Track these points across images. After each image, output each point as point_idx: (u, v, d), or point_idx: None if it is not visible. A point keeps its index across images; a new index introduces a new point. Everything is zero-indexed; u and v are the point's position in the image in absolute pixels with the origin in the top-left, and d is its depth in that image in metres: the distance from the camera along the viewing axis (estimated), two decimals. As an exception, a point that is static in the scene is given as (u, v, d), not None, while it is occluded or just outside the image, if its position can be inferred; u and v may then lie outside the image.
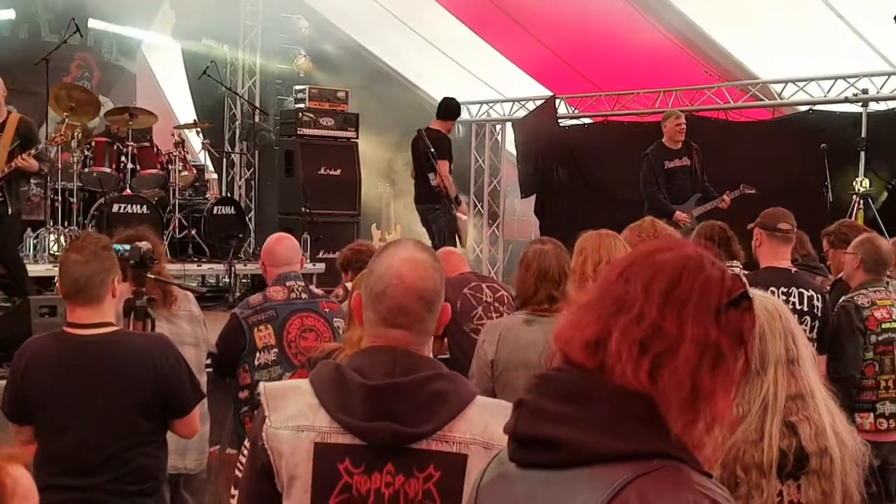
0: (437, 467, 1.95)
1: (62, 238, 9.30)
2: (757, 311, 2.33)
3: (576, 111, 12.53)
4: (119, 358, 3.46)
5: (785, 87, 10.49)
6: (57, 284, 3.54)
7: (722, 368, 1.43)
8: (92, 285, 3.41)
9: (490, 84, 13.23)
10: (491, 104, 13.34)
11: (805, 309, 4.86)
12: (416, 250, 2.11)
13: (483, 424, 1.97)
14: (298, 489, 1.98)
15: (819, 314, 4.92)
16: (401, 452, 1.95)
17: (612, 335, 1.41)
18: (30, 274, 8.06)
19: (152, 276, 4.24)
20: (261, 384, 2.11)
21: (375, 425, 1.93)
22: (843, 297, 5.17)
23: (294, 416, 1.99)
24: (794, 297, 4.86)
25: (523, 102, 12.85)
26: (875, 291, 5.12)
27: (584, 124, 12.56)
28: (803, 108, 10.40)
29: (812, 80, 10.18)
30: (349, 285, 5.55)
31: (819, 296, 4.97)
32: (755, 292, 2.57)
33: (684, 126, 9.06)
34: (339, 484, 1.96)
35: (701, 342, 1.40)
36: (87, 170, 9.83)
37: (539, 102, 12.47)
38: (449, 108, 9.38)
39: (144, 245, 4.06)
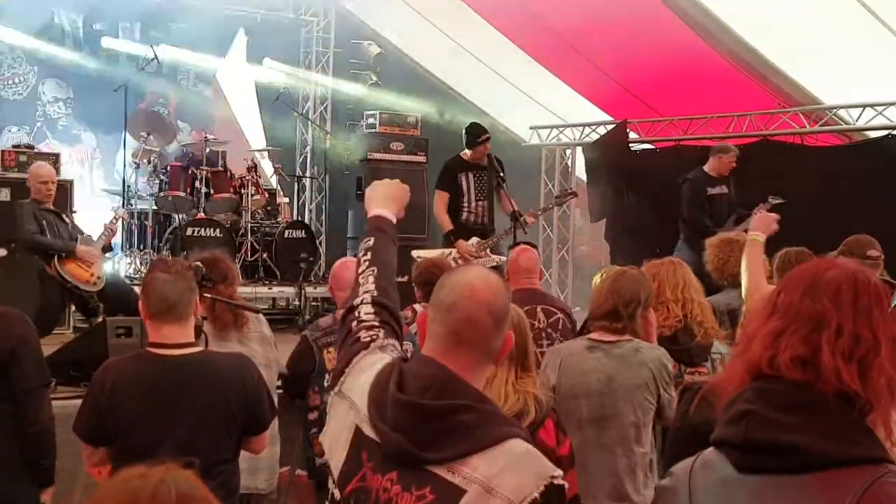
0: (434, 491, 1.93)
1: (137, 261, 9.47)
2: None
3: (642, 137, 12.42)
4: (212, 377, 3.48)
5: (863, 111, 10.25)
6: (140, 304, 3.49)
7: None
8: (182, 303, 3.43)
9: (553, 111, 13.24)
10: (561, 129, 13.28)
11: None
12: (487, 271, 2.20)
13: (497, 470, 1.90)
14: (339, 451, 2.10)
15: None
16: (407, 465, 1.97)
17: (821, 350, 1.61)
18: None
19: (208, 296, 4.29)
20: (361, 353, 2.20)
21: (391, 436, 1.99)
22: None
23: (356, 389, 2.13)
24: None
25: (594, 127, 12.77)
26: None
27: (656, 149, 12.43)
28: (881, 133, 10.14)
29: (891, 104, 9.93)
30: (417, 307, 5.53)
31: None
32: None
33: (735, 166, 9.10)
34: (360, 472, 2.05)
35: (891, 340, 1.64)
36: (161, 194, 10.02)
37: (609, 127, 12.38)
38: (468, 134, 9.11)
39: (200, 266, 4.15)
